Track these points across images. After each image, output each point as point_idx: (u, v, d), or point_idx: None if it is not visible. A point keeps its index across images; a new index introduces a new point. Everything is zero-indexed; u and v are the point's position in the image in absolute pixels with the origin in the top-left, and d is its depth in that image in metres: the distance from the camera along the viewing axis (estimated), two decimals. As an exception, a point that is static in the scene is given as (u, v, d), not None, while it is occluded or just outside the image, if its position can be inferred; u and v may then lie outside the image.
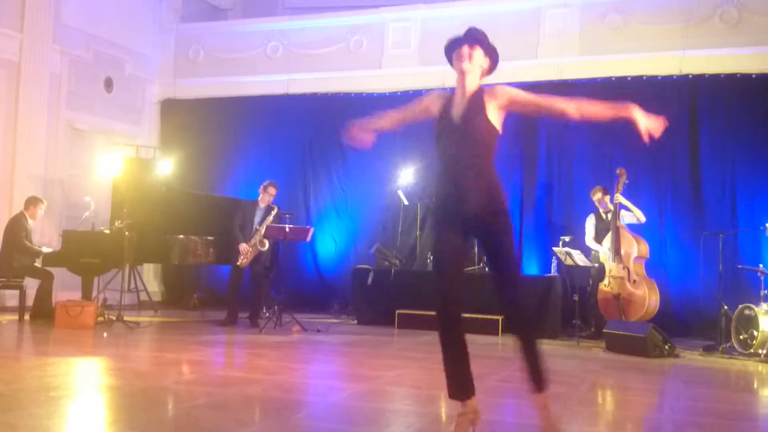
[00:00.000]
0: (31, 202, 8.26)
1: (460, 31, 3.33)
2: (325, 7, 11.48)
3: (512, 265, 3.25)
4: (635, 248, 7.69)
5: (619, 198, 7.83)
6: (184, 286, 10.84)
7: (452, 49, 3.31)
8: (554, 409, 4.11)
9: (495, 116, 3.21)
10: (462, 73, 3.26)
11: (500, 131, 3.25)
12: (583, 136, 9.34)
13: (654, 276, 7.87)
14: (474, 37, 3.27)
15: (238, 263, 8.01)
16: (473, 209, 3.15)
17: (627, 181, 7.92)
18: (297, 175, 10.81)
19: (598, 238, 8.10)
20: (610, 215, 8.11)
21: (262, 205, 8.23)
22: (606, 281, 7.77)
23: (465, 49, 3.25)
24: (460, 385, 3.27)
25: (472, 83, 3.26)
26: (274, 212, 8.09)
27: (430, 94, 3.45)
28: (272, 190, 8.24)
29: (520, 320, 3.26)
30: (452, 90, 3.33)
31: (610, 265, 7.75)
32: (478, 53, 3.26)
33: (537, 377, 3.26)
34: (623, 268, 7.67)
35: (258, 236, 7.97)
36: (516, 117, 9.61)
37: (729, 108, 8.71)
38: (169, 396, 4.20)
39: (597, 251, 8.10)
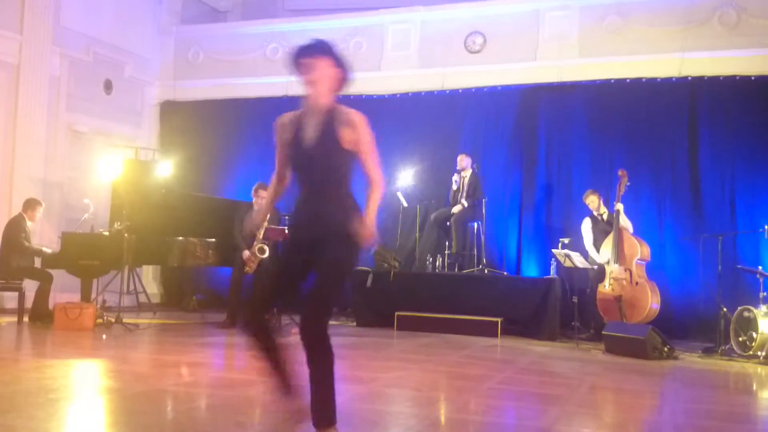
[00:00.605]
0: (30, 204, 8.25)
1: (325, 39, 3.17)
2: (325, 9, 11.49)
3: (324, 292, 3.03)
4: (638, 250, 7.69)
5: (618, 206, 7.83)
6: (183, 288, 10.83)
7: (296, 59, 3.10)
8: (554, 411, 4.12)
9: (350, 141, 3.05)
10: (307, 85, 3.09)
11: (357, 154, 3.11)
12: (583, 138, 9.35)
13: (653, 278, 7.87)
14: (318, 48, 3.11)
15: (246, 271, 8.00)
16: (320, 234, 3.04)
17: (628, 183, 7.93)
18: (296, 177, 10.81)
19: (597, 242, 8.08)
20: (605, 215, 8.12)
21: (257, 207, 8.20)
22: (607, 283, 7.76)
23: (307, 60, 3.07)
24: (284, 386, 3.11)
25: (320, 97, 3.08)
26: (268, 216, 8.06)
27: (277, 127, 3.18)
28: (262, 193, 8.20)
29: (308, 346, 2.98)
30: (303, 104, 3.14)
31: (612, 267, 7.74)
32: (324, 64, 3.08)
33: (316, 409, 2.98)
34: (625, 270, 7.67)
35: (257, 244, 7.96)
36: (515, 118, 9.73)
37: (728, 110, 8.71)
38: (168, 398, 4.20)
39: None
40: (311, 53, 3.09)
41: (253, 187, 8.27)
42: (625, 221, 7.91)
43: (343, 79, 3.16)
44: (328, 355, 2.98)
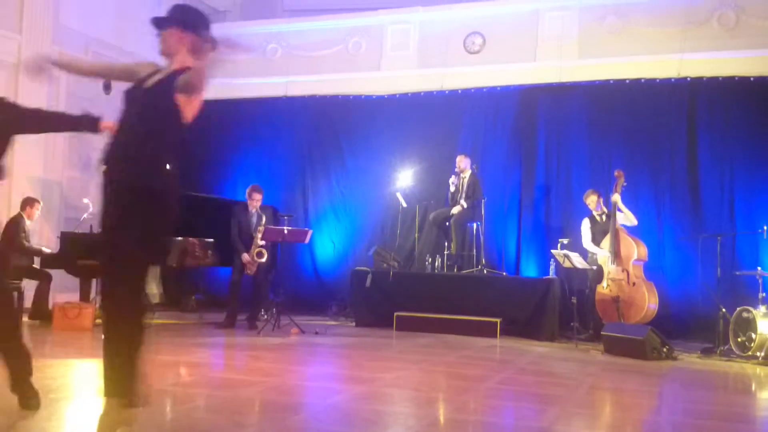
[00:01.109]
0: (27, 202, 8.24)
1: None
2: (324, 9, 11.49)
3: (113, 248, 2.93)
4: (635, 251, 7.69)
5: (615, 198, 7.83)
6: (182, 288, 10.82)
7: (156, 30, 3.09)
8: (553, 411, 4.12)
9: (185, 102, 2.99)
10: (163, 57, 3.08)
11: (186, 119, 3.04)
12: (582, 138, 9.37)
13: (652, 278, 7.88)
14: (165, 20, 3.06)
15: (247, 272, 8.00)
16: (119, 178, 2.96)
17: (625, 183, 7.94)
18: (295, 177, 10.81)
19: (595, 241, 8.10)
20: (604, 217, 8.12)
21: (252, 210, 8.19)
22: (605, 283, 7.77)
23: (160, 33, 3.08)
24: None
25: (181, 64, 3.07)
26: (263, 221, 8.06)
27: (145, 62, 3.23)
28: (257, 196, 8.16)
29: (105, 321, 2.93)
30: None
31: (609, 268, 7.75)
32: (173, 35, 3.06)
33: (107, 379, 2.95)
34: (622, 271, 7.68)
35: (255, 248, 7.96)
36: (514, 119, 9.73)
37: (727, 111, 8.72)
38: (167, 398, 4.19)
39: (594, 253, 8.10)
40: (160, 27, 3.05)
41: (247, 190, 8.26)
42: (625, 212, 7.88)
43: (198, 40, 3.08)
44: (125, 328, 2.97)
